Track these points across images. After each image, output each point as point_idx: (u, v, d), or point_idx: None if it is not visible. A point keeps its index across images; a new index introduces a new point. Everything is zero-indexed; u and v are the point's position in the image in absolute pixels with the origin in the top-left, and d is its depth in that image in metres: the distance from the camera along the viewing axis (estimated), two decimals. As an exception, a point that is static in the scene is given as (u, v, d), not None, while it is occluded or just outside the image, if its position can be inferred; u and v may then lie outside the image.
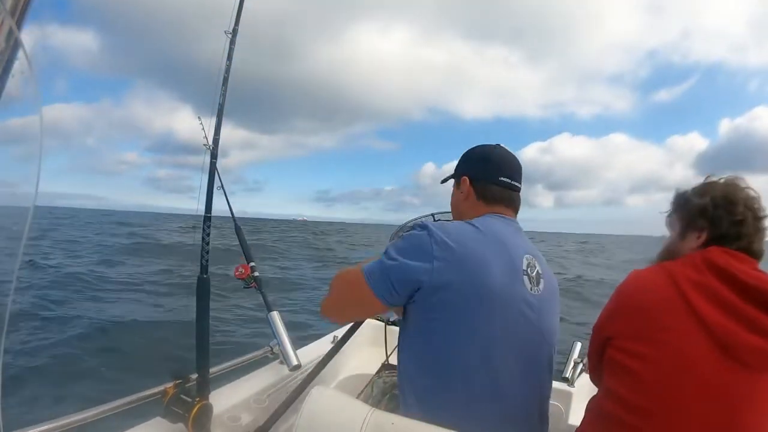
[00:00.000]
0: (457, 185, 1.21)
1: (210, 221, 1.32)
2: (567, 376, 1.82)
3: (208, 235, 1.31)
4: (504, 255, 1.00)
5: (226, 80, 1.43)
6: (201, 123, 1.43)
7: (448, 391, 0.96)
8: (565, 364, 1.86)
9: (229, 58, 1.45)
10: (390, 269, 0.97)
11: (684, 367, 0.85)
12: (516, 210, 1.17)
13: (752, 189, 1.00)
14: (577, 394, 1.80)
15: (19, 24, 0.49)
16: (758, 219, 0.97)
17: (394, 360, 1.42)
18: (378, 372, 1.80)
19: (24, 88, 0.49)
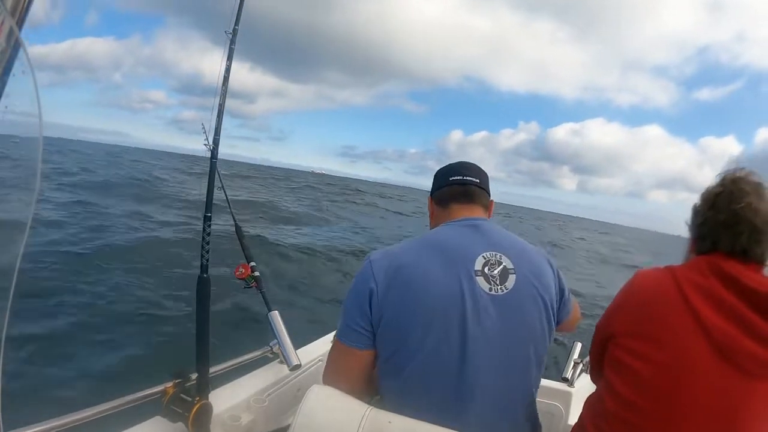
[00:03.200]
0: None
1: (210, 221, 1.32)
2: (567, 376, 1.82)
3: (209, 234, 1.31)
4: (449, 261, 1.00)
5: (226, 80, 1.44)
6: (202, 124, 1.42)
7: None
8: (565, 364, 1.86)
9: (230, 58, 1.45)
10: (348, 310, 1.02)
11: (681, 368, 0.85)
12: (478, 201, 1.17)
13: (726, 182, 0.94)
14: (576, 394, 1.80)
15: (19, 24, 0.50)
16: (718, 212, 0.93)
17: None
18: None
19: (24, 87, 0.49)
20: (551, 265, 1.10)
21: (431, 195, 1.24)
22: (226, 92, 1.42)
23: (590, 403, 1.04)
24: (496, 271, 1.00)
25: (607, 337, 1.00)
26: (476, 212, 1.15)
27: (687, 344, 0.86)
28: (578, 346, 1.90)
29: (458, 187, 1.17)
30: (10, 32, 0.48)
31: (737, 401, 0.82)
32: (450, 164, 1.24)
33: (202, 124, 1.42)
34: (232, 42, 1.46)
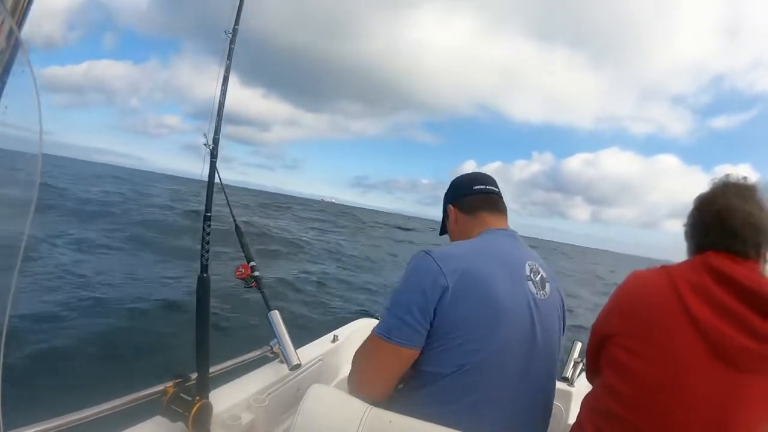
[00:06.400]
0: (446, 220, 1.27)
1: (210, 221, 1.32)
2: (567, 375, 1.82)
3: (208, 234, 1.31)
4: (506, 265, 1.04)
5: (226, 80, 1.43)
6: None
7: (448, 402, 0.96)
8: (565, 363, 1.87)
9: (229, 57, 1.45)
10: (404, 305, 0.97)
11: (676, 366, 0.87)
12: (503, 212, 1.23)
13: (713, 187, 0.99)
14: (576, 393, 1.80)
15: (19, 24, 0.50)
16: (703, 214, 0.98)
17: None
18: None
19: (24, 87, 0.49)
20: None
21: (453, 203, 1.25)
22: (225, 92, 1.42)
23: (587, 401, 1.05)
24: (538, 278, 1.08)
25: (603, 338, 1.01)
26: (506, 223, 1.21)
27: (681, 342, 0.87)
28: (578, 345, 1.90)
29: (484, 195, 1.21)
30: (10, 32, 0.48)
31: (730, 397, 0.83)
32: (468, 174, 1.27)
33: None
34: (232, 41, 1.46)
